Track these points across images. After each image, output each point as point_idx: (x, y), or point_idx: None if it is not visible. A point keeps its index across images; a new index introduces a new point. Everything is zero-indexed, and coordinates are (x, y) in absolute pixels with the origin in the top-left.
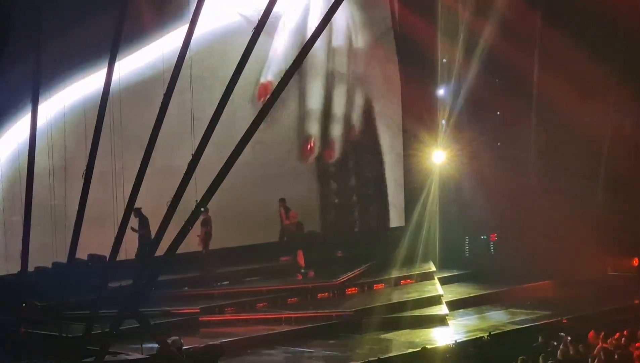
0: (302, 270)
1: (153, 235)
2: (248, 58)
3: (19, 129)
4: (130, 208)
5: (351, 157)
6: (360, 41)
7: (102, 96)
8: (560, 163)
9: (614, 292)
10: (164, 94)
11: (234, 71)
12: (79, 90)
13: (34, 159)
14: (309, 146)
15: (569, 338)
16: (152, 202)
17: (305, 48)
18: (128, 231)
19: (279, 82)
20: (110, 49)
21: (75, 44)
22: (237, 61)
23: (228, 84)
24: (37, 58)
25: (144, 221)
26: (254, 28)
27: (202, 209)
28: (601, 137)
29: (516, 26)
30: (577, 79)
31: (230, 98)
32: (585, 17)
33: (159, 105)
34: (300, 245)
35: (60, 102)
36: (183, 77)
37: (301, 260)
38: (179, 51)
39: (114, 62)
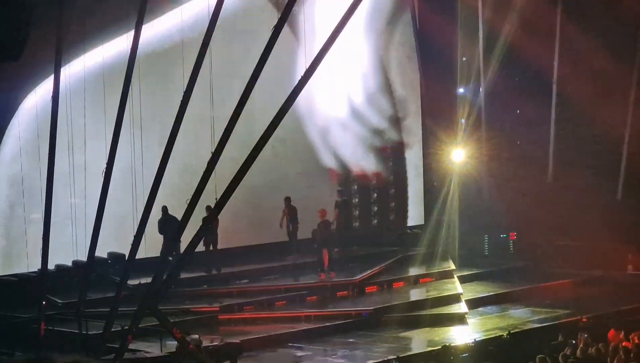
0: (325, 269)
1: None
2: (268, 56)
3: (39, 122)
4: (150, 206)
5: (371, 155)
6: (380, 40)
7: (121, 93)
8: (580, 161)
9: (634, 291)
10: (184, 92)
11: (254, 69)
12: (98, 58)
13: (54, 157)
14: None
15: (588, 336)
16: (172, 200)
17: (324, 48)
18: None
19: (298, 82)
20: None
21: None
22: (258, 59)
23: (248, 82)
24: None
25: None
26: (274, 27)
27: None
28: (621, 135)
29: (536, 24)
30: (597, 76)
31: (250, 96)
32: (606, 15)
33: (179, 100)
34: (325, 243)
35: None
36: (203, 75)
37: (325, 259)
38: (200, 47)
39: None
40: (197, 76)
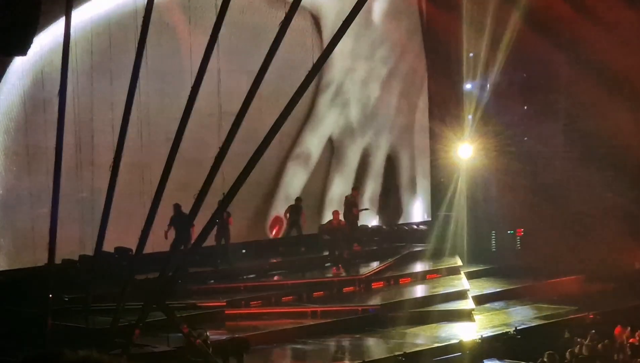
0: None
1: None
2: (275, 51)
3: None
4: (157, 200)
5: (379, 151)
6: (387, 35)
7: (129, 89)
8: (587, 156)
9: None
10: (192, 87)
11: (261, 65)
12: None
13: (61, 150)
14: None
15: (595, 333)
16: (179, 195)
17: (331, 44)
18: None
19: (306, 77)
20: None
21: None
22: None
23: (255, 77)
24: None
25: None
26: (281, 22)
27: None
28: (629, 130)
29: (544, 19)
30: (604, 71)
31: (259, 90)
32: (614, 10)
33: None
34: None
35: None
36: (211, 69)
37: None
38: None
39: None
40: (204, 71)
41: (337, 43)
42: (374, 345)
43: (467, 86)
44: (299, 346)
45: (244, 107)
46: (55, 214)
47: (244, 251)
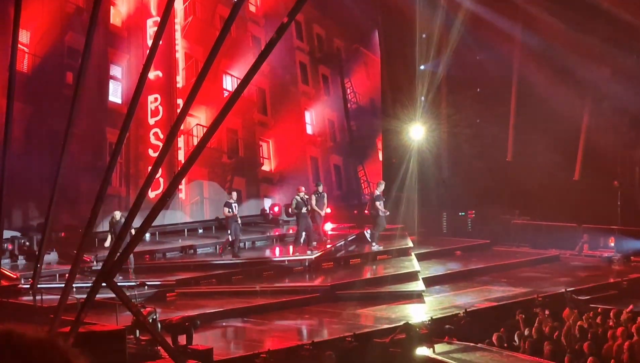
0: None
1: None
2: (219, 48)
3: None
4: (108, 178)
5: (331, 132)
6: (340, 16)
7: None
8: (539, 140)
9: (589, 270)
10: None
11: (203, 67)
12: None
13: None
14: None
15: (544, 315)
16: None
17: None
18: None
19: (251, 68)
20: None
21: None
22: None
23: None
24: None
25: None
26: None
27: None
28: (579, 114)
29: (497, 2)
30: (557, 55)
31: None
32: None
33: None
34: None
35: None
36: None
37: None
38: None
39: None
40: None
41: (282, 34)
42: (324, 326)
43: (420, 67)
44: (248, 325)
45: (188, 102)
46: (1, 186)
47: (200, 231)
